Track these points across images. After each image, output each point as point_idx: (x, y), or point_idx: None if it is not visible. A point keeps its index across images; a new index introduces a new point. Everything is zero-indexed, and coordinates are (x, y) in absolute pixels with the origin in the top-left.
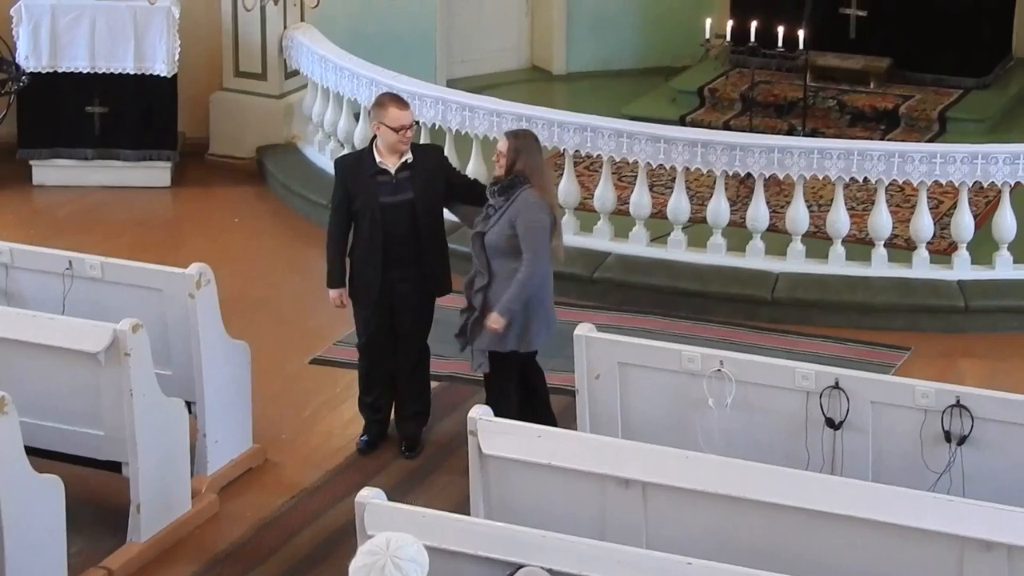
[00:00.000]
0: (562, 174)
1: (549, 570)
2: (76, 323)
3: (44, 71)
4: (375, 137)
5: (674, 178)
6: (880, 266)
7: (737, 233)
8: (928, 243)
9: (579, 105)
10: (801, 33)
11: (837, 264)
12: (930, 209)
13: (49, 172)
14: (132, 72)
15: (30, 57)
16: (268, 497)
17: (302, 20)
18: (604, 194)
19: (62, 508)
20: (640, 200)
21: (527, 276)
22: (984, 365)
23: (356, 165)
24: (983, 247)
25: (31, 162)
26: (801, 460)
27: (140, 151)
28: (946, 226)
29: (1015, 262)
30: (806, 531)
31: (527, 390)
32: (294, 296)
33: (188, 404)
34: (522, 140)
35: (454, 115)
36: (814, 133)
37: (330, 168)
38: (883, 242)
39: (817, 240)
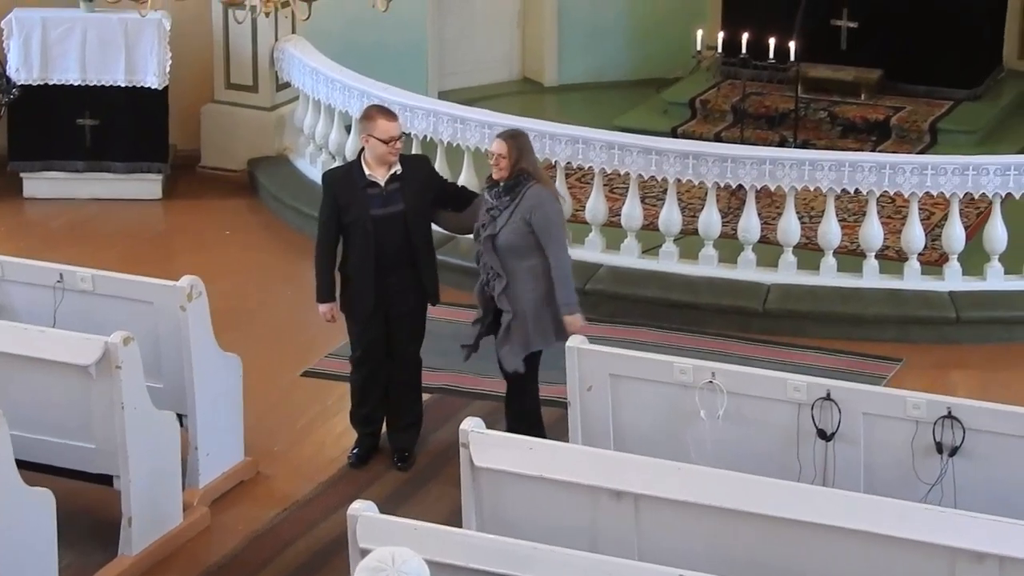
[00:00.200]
0: None
1: None
2: (67, 336)
3: (35, 83)
4: (363, 149)
5: (666, 190)
6: (871, 277)
7: (729, 245)
8: (919, 254)
9: (570, 117)
10: (792, 44)
11: (828, 275)
12: (921, 220)
13: (40, 184)
14: (123, 84)
15: (21, 69)
16: (260, 510)
17: (293, 32)
18: (596, 206)
19: (53, 521)
20: (632, 212)
21: (563, 264)
22: (975, 376)
23: (345, 178)
24: (974, 258)
25: (22, 175)
26: (793, 471)
27: (131, 163)
28: (937, 237)
29: (1006, 273)
30: (798, 543)
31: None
32: (286, 308)
33: (179, 417)
34: (520, 139)
35: (445, 127)
36: (805, 144)
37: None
38: (874, 253)
39: (809, 251)
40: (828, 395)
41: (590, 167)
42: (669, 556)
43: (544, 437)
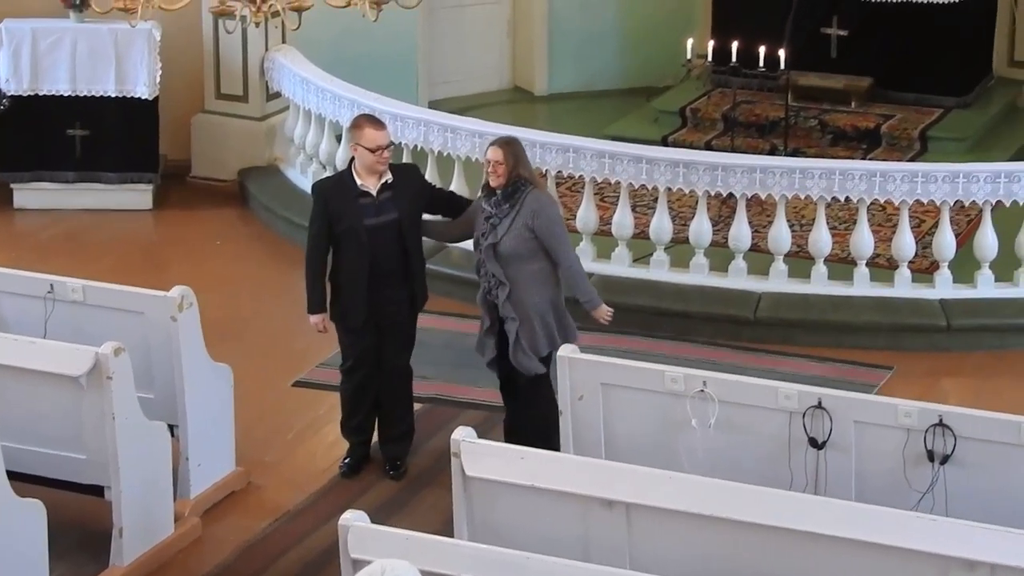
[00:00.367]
0: None
1: None
2: (58, 347)
3: (25, 94)
4: (353, 159)
5: (656, 198)
6: (862, 285)
7: (719, 253)
8: (910, 262)
9: (561, 126)
10: (782, 53)
11: (819, 283)
12: (912, 228)
13: (30, 195)
14: (113, 95)
15: (11, 80)
16: (251, 520)
17: (283, 42)
18: (586, 214)
19: (44, 532)
20: (622, 220)
21: (574, 262)
22: (967, 384)
23: (337, 188)
24: (965, 266)
25: (12, 185)
26: (784, 480)
27: (122, 174)
28: (928, 245)
29: (997, 281)
30: (790, 551)
31: (513, 411)
32: (277, 319)
33: (171, 427)
34: (515, 145)
35: (436, 136)
36: (796, 153)
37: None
38: (865, 261)
39: (799, 260)
40: (819, 403)
41: (581, 176)
42: (661, 565)
43: (558, 448)
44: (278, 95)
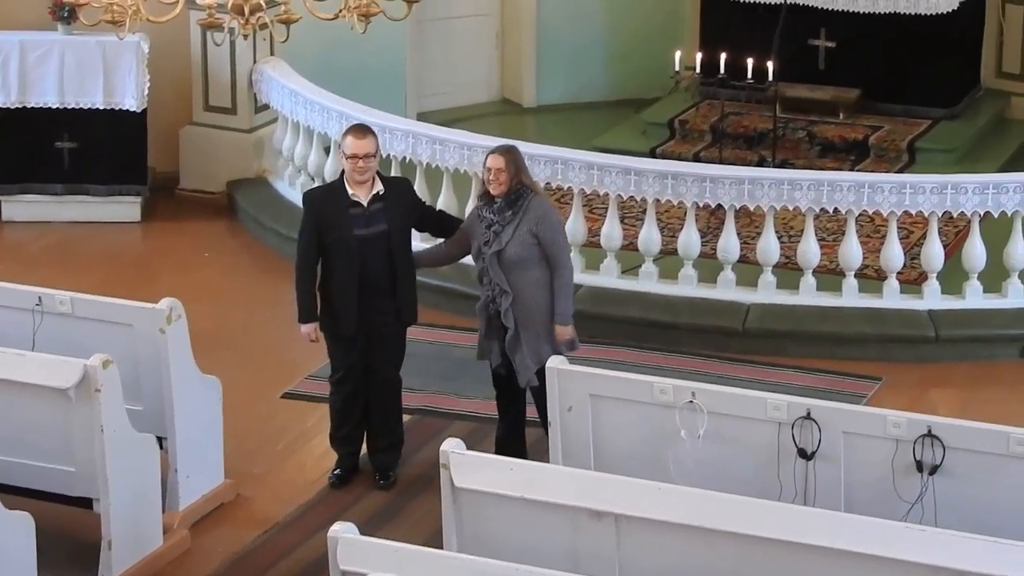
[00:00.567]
0: None
1: None
2: (46, 359)
3: (13, 106)
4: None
5: (645, 210)
6: (851, 296)
7: (708, 264)
8: (898, 273)
9: (549, 137)
10: (770, 64)
11: (808, 295)
12: (900, 239)
13: (18, 208)
14: (102, 107)
15: None
16: (240, 532)
17: (272, 54)
18: (575, 226)
19: (33, 545)
20: (611, 232)
21: (569, 274)
22: (955, 394)
23: (327, 198)
24: (953, 277)
25: (0, 198)
26: (774, 491)
27: (110, 186)
28: (916, 256)
29: (985, 291)
30: (779, 562)
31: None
32: (265, 330)
33: (159, 439)
34: (516, 153)
35: (424, 148)
36: (784, 164)
37: (300, 202)
38: (854, 272)
39: (788, 271)
40: (808, 414)
41: (569, 187)
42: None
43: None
44: (266, 107)
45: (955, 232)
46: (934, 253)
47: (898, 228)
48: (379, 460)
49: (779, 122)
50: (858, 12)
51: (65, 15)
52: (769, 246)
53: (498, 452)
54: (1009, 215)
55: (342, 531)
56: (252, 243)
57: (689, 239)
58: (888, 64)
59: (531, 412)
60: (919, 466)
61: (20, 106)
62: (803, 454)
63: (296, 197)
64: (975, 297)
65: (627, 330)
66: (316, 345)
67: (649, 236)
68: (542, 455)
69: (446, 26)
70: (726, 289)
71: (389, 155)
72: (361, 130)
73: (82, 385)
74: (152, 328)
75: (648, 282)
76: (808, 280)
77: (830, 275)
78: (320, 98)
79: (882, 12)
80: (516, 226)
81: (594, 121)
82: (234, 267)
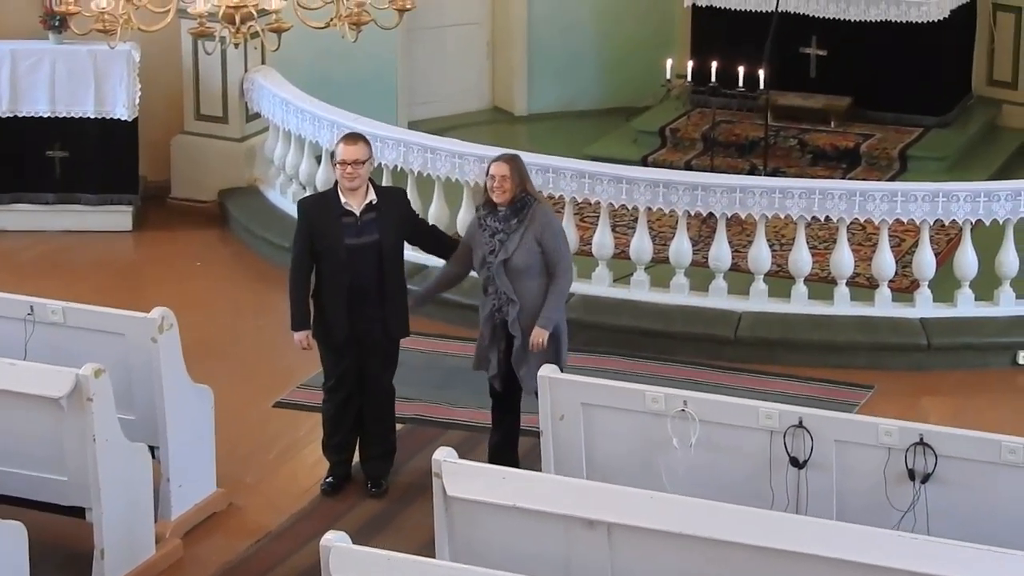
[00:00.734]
0: None
1: None
2: (38, 368)
3: (4, 116)
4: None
5: (636, 218)
6: (842, 305)
7: (700, 273)
8: (890, 281)
9: (541, 146)
10: (762, 73)
11: (800, 303)
12: (892, 247)
13: (10, 217)
14: (93, 116)
15: None
16: (232, 541)
17: (263, 63)
18: (567, 235)
19: (25, 554)
20: (603, 241)
21: (566, 286)
22: (947, 403)
23: (320, 206)
24: (945, 285)
25: None
26: (766, 499)
27: (101, 195)
28: (908, 264)
29: (976, 299)
30: (771, 570)
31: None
32: (257, 339)
33: (151, 449)
34: (519, 161)
35: (416, 157)
36: (775, 172)
37: (292, 211)
38: (845, 281)
39: (780, 279)
40: (800, 423)
41: (560, 196)
42: None
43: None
44: (258, 116)
45: (947, 240)
46: (926, 261)
47: (890, 236)
48: (371, 468)
49: (770, 130)
50: (849, 20)
51: (56, 24)
52: (761, 254)
53: (491, 461)
54: (1000, 223)
55: (334, 540)
56: (244, 252)
57: (681, 247)
58: (879, 72)
59: (525, 421)
60: (911, 474)
61: (11, 115)
62: (795, 462)
63: (287, 206)
64: (967, 305)
65: (619, 339)
66: (308, 354)
67: (641, 244)
68: (534, 464)
69: (437, 35)
70: (718, 297)
71: (381, 164)
72: (353, 137)
73: (74, 394)
74: (144, 337)
75: (640, 290)
76: (800, 288)
77: (822, 283)
78: (311, 107)
79: (873, 20)
80: (522, 234)
81: (585, 129)
82: (226, 276)
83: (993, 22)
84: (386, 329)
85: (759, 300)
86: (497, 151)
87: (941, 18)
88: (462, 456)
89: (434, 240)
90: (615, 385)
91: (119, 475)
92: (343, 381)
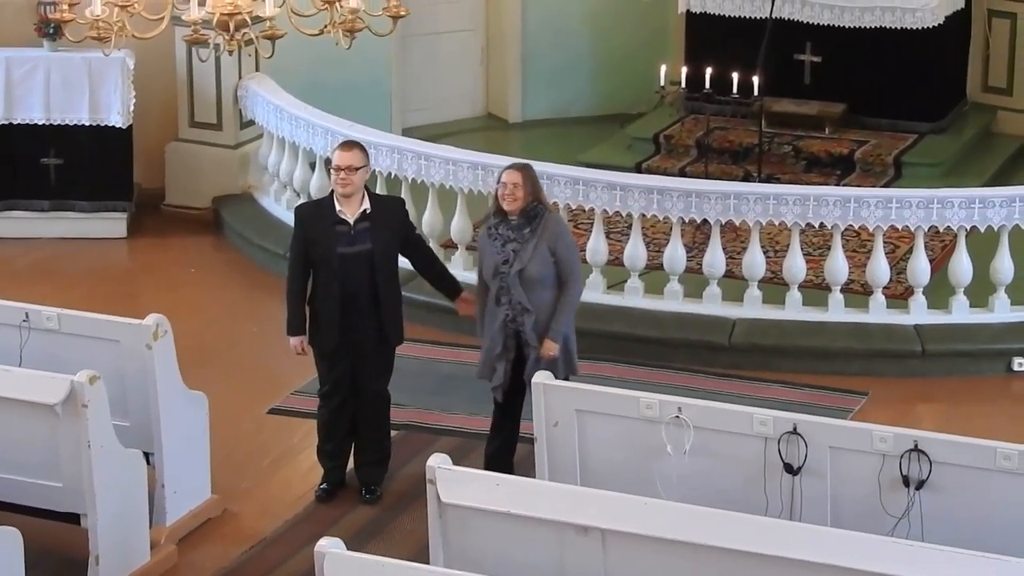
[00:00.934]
0: None
1: None
2: (33, 375)
3: None
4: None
5: (630, 225)
6: (837, 311)
7: (694, 279)
8: (884, 288)
9: (535, 153)
10: (756, 79)
11: (794, 309)
12: (886, 254)
13: (4, 224)
14: (87, 123)
15: None
16: (227, 547)
17: (257, 70)
18: None
19: (21, 560)
20: (596, 247)
21: (576, 297)
22: (941, 409)
23: (315, 213)
24: (939, 291)
25: None
26: (760, 506)
27: (96, 202)
28: (902, 271)
29: (971, 306)
30: None
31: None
32: (252, 346)
33: (146, 455)
34: (532, 170)
35: (410, 164)
36: (770, 179)
37: (286, 217)
38: (839, 287)
39: (774, 286)
40: (794, 429)
41: (555, 203)
42: None
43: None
44: (252, 123)
45: (941, 247)
46: (920, 268)
47: (884, 243)
48: (365, 474)
49: (765, 137)
50: (844, 26)
51: (51, 32)
52: (755, 261)
53: (488, 467)
54: (995, 229)
55: (329, 546)
56: (238, 259)
57: (675, 254)
58: (874, 78)
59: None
60: (906, 481)
61: (6, 122)
62: (789, 469)
63: (281, 213)
64: (961, 312)
65: (613, 345)
66: (302, 361)
67: (635, 251)
68: (528, 470)
69: (431, 41)
70: (712, 304)
71: (375, 171)
72: (349, 144)
73: (69, 401)
74: (139, 344)
75: (634, 297)
76: (794, 295)
77: (816, 290)
78: (305, 114)
79: (868, 27)
80: (535, 244)
81: (579, 136)
82: (220, 283)
83: (988, 28)
84: (380, 337)
85: (753, 307)
86: (492, 158)
87: (936, 24)
88: (456, 462)
89: (420, 254)
90: (609, 392)
91: (114, 481)
92: (337, 387)
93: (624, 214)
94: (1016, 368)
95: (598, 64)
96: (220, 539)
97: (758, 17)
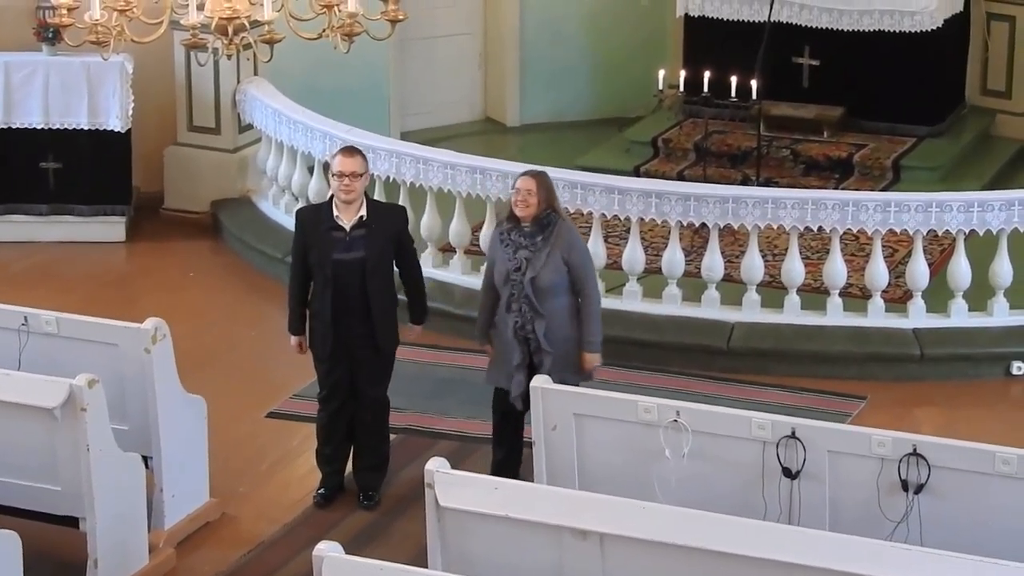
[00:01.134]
0: None
1: None
2: (32, 379)
3: None
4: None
5: (629, 229)
6: (835, 315)
7: (692, 283)
8: (883, 292)
9: (533, 157)
10: (754, 83)
11: (792, 313)
12: (885, 258)
13: (3, 228)
14: (86, 127)
15: None
16: (225, 551)
17: (255, 74)
18: None
19: (19, 563)
20: (595, 251)
21: (598, 303)
22: (940, 413)
23: (314, 218)
24: (938, 295)
25: None
26: (758, 510)
27: (94, 206)
28: (901, 274)
29: (970, 310)
30: None
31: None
32: (250, 350)
33: (145, 459)
34: (546, 177)
35: (408, 168)
36: (768, 183)
37: (285, 221)
38: (838, 291)
39: (772, 289)
40: (793, 433)
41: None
42: None
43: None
44: (250, 127)
45: (940, 250)
46: (919, 271)
47: (883, 246)
48: (362, 479)
49: (763, 140)
50: (842, 30)
51: (50, 36)
52: (753, 265)
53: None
54: (994, 233)
55: (327, 550)
56: (236, 262)
57: (673, 258)
58: (872, 82)
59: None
60: (904, 485)
61: (5, 127)
62: (788, 473)
63: (280, 217)
64: (960, 315)
65: (611, 349)
66: (301, 365)
67: (633, 255)
68: (527, 474)
69: (429, 45)
70: (710, 308)
71: (373, 175)
72: (350, 150)
73: (68, 405)
74: (137, 348)
75: (632, 301)
76: (793, 299)
77: (814, 294)
78: (303, 118)
79: (866, 30)
80: (548, 252)
81: (577, 140)
82: (219, 287)
83: (987, 31)
84: (374, 344)
85: (752, 310)
86: (491, 162)
87: (934, 28)
88: (454, 466)
89: (405, 272)
90: (607, 395)
91: (112, 485)
92: (335, 391)
93: (622, 218)
94: (1015, 372)
95: (596, 68)
96: (218, 543)
97: (756, 20)
